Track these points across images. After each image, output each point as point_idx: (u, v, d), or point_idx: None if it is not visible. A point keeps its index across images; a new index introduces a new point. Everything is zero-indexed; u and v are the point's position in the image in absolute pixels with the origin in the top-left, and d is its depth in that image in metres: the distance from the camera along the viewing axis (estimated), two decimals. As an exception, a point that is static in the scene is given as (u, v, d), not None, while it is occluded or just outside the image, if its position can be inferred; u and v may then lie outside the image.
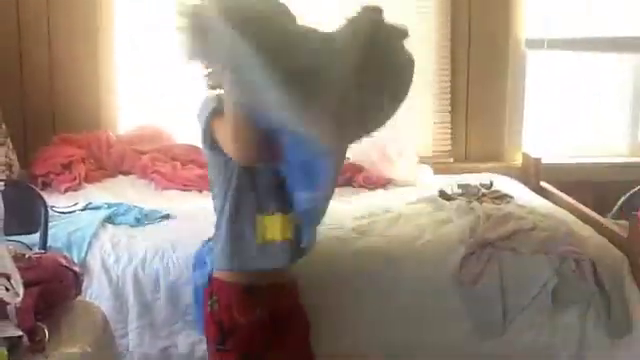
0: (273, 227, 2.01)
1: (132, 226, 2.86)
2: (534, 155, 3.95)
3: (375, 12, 1.92)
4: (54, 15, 3.79)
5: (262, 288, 2.05)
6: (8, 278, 1.76)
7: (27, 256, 1.98)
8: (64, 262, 2.01)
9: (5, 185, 2.07)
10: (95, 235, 2.76)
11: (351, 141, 1.98)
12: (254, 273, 2.03)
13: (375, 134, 1.99)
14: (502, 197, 3.36)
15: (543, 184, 3.77)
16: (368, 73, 1.83)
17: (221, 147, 1.93)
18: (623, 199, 3.50)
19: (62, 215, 2.93)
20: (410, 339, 2.65)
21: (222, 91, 1.97)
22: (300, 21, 1.88)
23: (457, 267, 2.65)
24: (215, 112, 1.93)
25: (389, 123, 2.01)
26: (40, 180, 3.46)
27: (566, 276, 2.65)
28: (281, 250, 2.02)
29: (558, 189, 3.60)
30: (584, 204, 3.25)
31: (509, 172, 3.94)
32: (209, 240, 2.18)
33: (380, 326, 2.64)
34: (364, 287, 2.62)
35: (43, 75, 3.82)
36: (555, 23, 4.10)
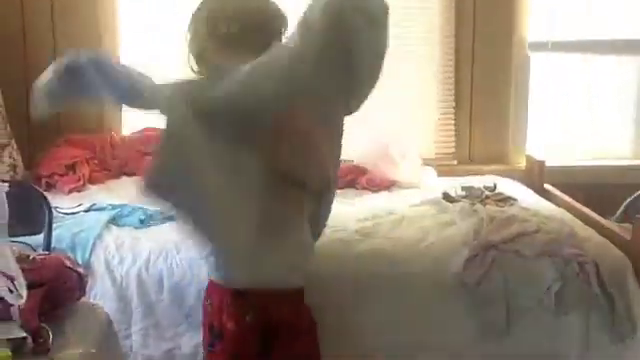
0: None
1: (136, 227, 2.87)
2: (538, 157, 3.95)
3: None
4: (59, 17, 3.80)
5: (254, 294, 2.01)
6: (12, 280, 1.76)
7: (31, 257, 1.98)
8: (68, 263, 2.01)
9: (9, 186, 2.07)
10: (99, 236, 2.76)
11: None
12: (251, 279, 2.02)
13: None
14: (506, 199, 3.36)
15: (547, 186, 3.76)
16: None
17: None
18: (627, 202, 3.48)
19: (66, 216, 2.94)
20: (413, 341, 2.65)
21: None
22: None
23: (460, 269, 2.65)
24: None
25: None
26: (44, 181, 3.47)
27: (570, 279, 2.65)
28: None
29: (562, 192, 3.60)
30: (588, 207, 3.25)
31: (513, 174, 3.93)
32: None
33: (383, 328, 2.63)
34: (367, 289, 2.62)
35: (48, 76, 3.82)
36: (559, 25, 4.10)
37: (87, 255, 2.67)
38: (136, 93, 1.82)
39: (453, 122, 4.11)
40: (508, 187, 3.60)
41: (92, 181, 3.56)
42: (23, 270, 1.87)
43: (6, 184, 2.07)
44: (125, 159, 3.74)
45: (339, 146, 1.99)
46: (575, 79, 4.31)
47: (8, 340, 1.68)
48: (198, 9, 2.01)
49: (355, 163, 3.81)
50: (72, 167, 3.57)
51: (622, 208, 3.47)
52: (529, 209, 3.16)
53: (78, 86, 1.82)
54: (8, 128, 3.50)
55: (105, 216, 2.91)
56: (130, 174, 3.73)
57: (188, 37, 1.99)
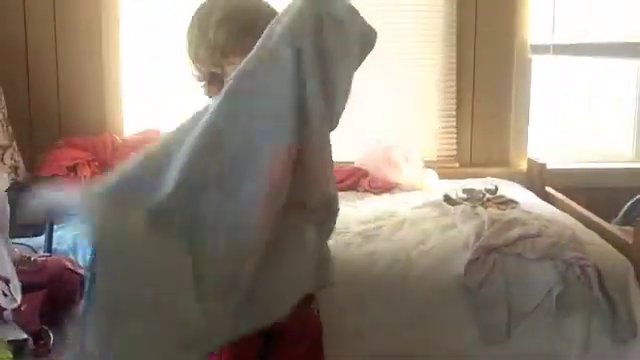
0: None
1: (137, 229, 2.86)
2: (539, 160, 3.95)
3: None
4: (61, 20, 3.80)
5: None
6: (7, 282, 1.75)
7: (32, 259, 1.98)
8: (69, 265, 2.01)
9: (11, 187, 2.07)
10: (100, 238, 2.76)
11: None
12: None
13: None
14: (507, 202, 3.36)
15: (548, 189, 3.76)
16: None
17: None
18: (628, 205, 3.49)
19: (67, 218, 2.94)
20: (415, 343, 2.65)
21: None
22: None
23: (462, 272, 2.65)
24: None
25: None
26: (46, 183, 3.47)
27: (571, 282, 2.64)
28: None
29: (563, 194, 3.59)
30: (589, 210, 3.25)
31: (514, 177, 3.94)
32: None
33: (385, 330, 2.63)
34: (369, 291, 2.62)
35: (49, 78, 3.82)
36: (560, 28, 4.10)
37: (88, 257, 2.66)
38: None
39: (455, 125, 4.11)
40: (509, 190, 3.60)
41: (93, 183, 3.55)
42: (25, 272, 1.87)
43: (5, 176, 2.07)
44: (126, 160, 3.73)
45: (331, 162, 1.95)
46: (577, 82, 4.31)
47: (9, 342, 1.68)
48: (196, 11, 2.00)
49: (357, 165, 3.81)
50: (73, 169, 3.57)
51: (623, 211, 3.47)
52: (530, 212, 3.16)
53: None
54: (10, 130, 3.50)
55: (106, 218, 2.90)
56: (131, 176, 3.72)
57: (186, 41, 1.98)
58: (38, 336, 1.74)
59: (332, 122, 1.74)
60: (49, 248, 2.48)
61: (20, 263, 1.92)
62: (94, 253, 1.62)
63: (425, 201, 3.38)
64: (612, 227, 3.07)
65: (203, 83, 1.99)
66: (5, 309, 1.71)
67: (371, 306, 2.62)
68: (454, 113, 4.10)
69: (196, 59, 1.94)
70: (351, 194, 3.55)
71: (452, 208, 3.20)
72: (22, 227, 2.18)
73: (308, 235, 1.85)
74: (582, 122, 4.36)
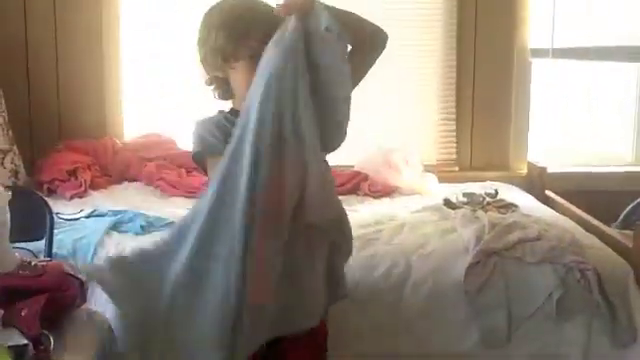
0: None
1: (137, 234, 2.86)
2: (539, 164, 3.95)
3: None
4: (61, 23, 3.80)
5: None
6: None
7: (33, 263, 1.98)
8: (69, 270, 2.01)
9: (11, 192, 2.07)
10: (100, 242, 2.76)
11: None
12: None
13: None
14: (507, 206, 3.36)
15: (548, 193, 3.76)
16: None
17: None
18: (628, 208, 3.48)
19: (67, 222, 2.94)
20: (415, 347, 2.64)
21: (230, 102, 1.98)
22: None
23: (462, 276, 2.65)
24: (209, 151, 1.90)
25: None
26: (46, 187, 3.47)
27: (571, 286, 2.64)
28: None
29: (563, 198, 3.59)
30: (589, 213, 3.25)
31: (514, 181, 3.94)
32: None
33: (385, 334, 2.63)
34: (369, 294, 2.62)
35: (49, 82, 3.83)
36: (560, 32, 4.10)
37: (88, 261, 2.67)
38: None
39: (454, 129, 4.11)
40: (509, 193, 3.60)
41: (93, 187, 3.56)
42: (25, 277, 1.88)
43: (9, 193, 2.07)
44: (127, 165, 3.75)
45: (332, 185, 1.99)
46: (576, 85, 4.32)
47: (9, 347, 1.68)
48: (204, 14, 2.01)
49: (357, 169, 3.82)
50: (73, 173, 3.57)
51: (623, 215, 3.47)
52: (530, 216, 3.16)
53: None
54: (10, 134, 3.51)
55: (106, 222, 2.91)
56: (131, 180, 3.73)
57: (197, 45, 1.99)
58: (38, 341, 1.74)
59: (341, 134, 1.79)
60: (49, 252, 2.48)
61: (20, 268, 1.92)
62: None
63: (425, 205, 3.38)
64: (612, 231, 3.07)
65: (213, 87, 2.00)
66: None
67: (371, 309, 2.62)
68: (454, 117, 4.10)
69: (202, 62, 1.96)
70: (351, 198, 3.55)
71: (452, 212, 3.20)
72: (22, 231, 2.18)
73: (318, 253, 1.88)
74: (582, 125, 4.36)
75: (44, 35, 3.80)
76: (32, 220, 2.47)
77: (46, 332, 1.77)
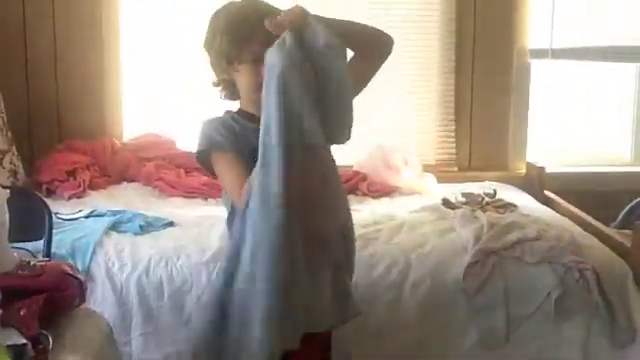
0: None
1: (136, 234, 2.86)
2: (538, 164, 3.95)
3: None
4: (60, 23, 3.80)
5: None
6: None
7: (32, 263, 1.98)
8: (68, 270, 2.01)
9: (10, 192, 2.07)
10: (99, 242, 2.76)
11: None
12: None
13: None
14: (506, 206, 3.36)
15: (547, 193, 3.76)
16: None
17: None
18: (627, 208, 3.48)
19: (66, 222, 2.94)
20: (414, 347, 2.65)
21: (237, 102, 1.99)
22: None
23: (461, 276, 2.65)
24: (215, 147, 1.92)
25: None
26: (45, 187, 3.47)
27: (570, 286, 2.65)
28: None
29: (562, 198, 3.60)
30: (588, 213, 3.25)
31: (513, 181, 3.94)
32: None
33: (384, 333, 2.63)
34: (368, 294, 2.62)
35: (48, 83, 3.83)
36: (559, 33, 4.11)
37: (87, 261, 2.67)
38: None
39: (454, 129, 4.11)
40: (508, 193, 3.61)
41: (92, 187, 3.56)
42: (23, 277, 1.88)
43: (7, 190, 2.07)
44: (125, 165, 3.75)
45: (344, 194, 2.03)
46: (575, 85, 4.32)
47: (8, 347, 1.68)
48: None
49: (356, 169, 3.82)
50: (72, 173, 3.57)
51: (622, 214, 3.47)
52: (529, 215, 3.16)
53: None
54: (9, 134, 3.51)
55: (105, 222, 2.91)
56: (130, 180, 3.73)
57: (204, 48, 2.00)
58: (37, 340, 1.74)
59: (344, 133, 1.82)
60: (48, 252, 2.48)
61: (19, 267, 1.92)
62: None
63: (424, 205, 3.38)
64: (611, 231, 3.08)
65: (220, 88, 2.01)
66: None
67: (370, 309, 2.61)
68: (453, 117, 4.10)
69: (211, 65, 1.97)
70: (350, 198, 3.52)
71: (451, 212, 3.20)
72: (21, 231, 2.18)
73: (323, 275, 1.90)
74: (580, 125, 4.37)
75: (43, 35, 3.80)
76: (31, 220, 2.47)
77: (45, 332, 1.77)
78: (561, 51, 4.06)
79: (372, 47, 1.93)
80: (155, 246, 2.76)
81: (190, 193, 3.52)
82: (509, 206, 3.36)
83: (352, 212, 3.19)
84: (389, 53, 1.95)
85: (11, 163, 3.44)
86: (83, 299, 2.04)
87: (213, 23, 1.96)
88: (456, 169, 4.11)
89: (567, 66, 4.22)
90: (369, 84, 2.00)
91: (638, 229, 2.73)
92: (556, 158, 4.20)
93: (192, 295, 2.65)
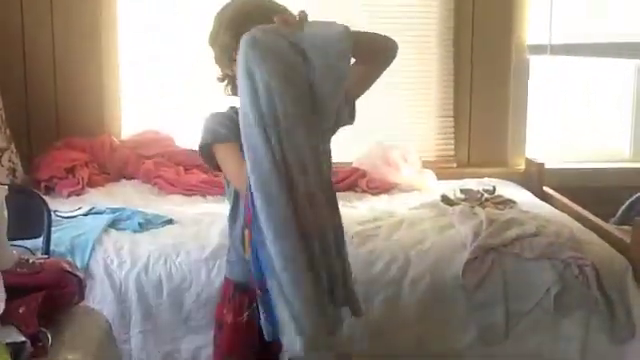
0: None
1: (135, 231, 2.86)
2: (537, 160, 3.95)
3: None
4: (58, 21, 3.80)
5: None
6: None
7: (31, 261, 1.98)
8: (67, 267, 2.01)
9: (9, 190, 2.06)
10: (98, 240, 2.76)
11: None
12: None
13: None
14: (505, 202, 3.36)
15: (546, 189, 3.76)
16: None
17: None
18: (626, 204, 3.48)
19: (65, 220, 2.94)
20: (413, 343, 2.65)
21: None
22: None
23: (460, 272, 2.65)
24: (218, 140, 1.91)
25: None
26: (43, 184, 3.47)
27: (569, 282, 2.65)
28: None
29: (561, 194, 3.60)
30: (587, 209, 3.25)
31: (512, 177, 3.94)
32: None
33: (383, 330, 2.64)
34: (367, 291, 2.62)
35: (47, 80, 3.82)
36: (558, 29, 4.10)
37: (86, 259, 2.67)
38: None
39: (452, 125, 4.11)
40: (507, 190, 3.61)
41: (91, 184, 3.56)
42: (22, 274, 1.87)
43: (5, 187, 2.06)
44: (124, 162, 3.74)
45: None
46: (574, 82, 4.32)
47: (7, 344, 1.68)
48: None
49: (355, 166, 3.82)
50: (71, 170, 3.57)
51: (621, 210, 3.47)
52: (528, 212, 3.16)
53: None
54: (7, 132, 3.50)
55: (104, 220, 2.91)
56: (129, 177, 3.73)
57: (208, 43, 2.00)
58: (36, 338, 1.74)
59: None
60: (47, 250, 2.48)
61: (18, 265, 1.92)
62: None
63: (423, 201, 3.39)
64: (610, 226, 3.08)
65: (225, 82, 2.00)
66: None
67: (369, 305, 2.62)
68: (452, 113, 4.10)
69: (215, 60, 1.96)
70: (349, 194, 3.55)
71: (450, 208, 3.20)
72: (20, 229, 2.18)
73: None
74: (580, 121, 4.36)
75: (41, 32, 3.79)
76: (30, 218, 2.47)
77: (44, 329, 1.77)
78: (560, 47, 4.05)
79: (377, 54, 1.93)
80: (154, 243, 2.76)
81: (189, 190, 3.52)
82: (508, 202, 3.36)
83: (351, 209, 3.23)
84: (394, 57, 1.95)
85: (10, 161, 3.44)
86: (82, 297, 2.05)
87: (218, 18, 1.96)
88: (455, 165, 4.11)
89: (566, 62, 4.22)
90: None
91: (637, 225, 2.73)
92: (555, 154, 4.20)
93: (191, 292, 2.65)
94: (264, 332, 1.81)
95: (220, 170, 1.97)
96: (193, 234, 2.84)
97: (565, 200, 3.49)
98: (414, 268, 2.69)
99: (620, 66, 4.33)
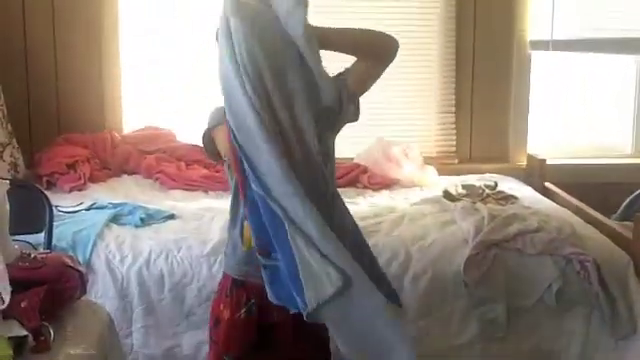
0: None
1: (137, 226, 2.86)
2: (539, 156, 3.94)
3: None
4: (59, 17, 3.79)
5: (254, 287, 1.95)
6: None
7: (32, 256, 1.98)
8: (69, 262, 2.01)
9: (10, 185, 2.07)
10: (100, 235, 2.76)
11: None
12: (248, 272, 1.99)
13: None
14: (507, 198, 3.36)
15: (548, 185, 3.76)
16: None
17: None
18: (628, 200, 3.48)
19: (67, 215, 2.94)
20: (414, 338, 2.65)
21: None
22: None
23: (462, 268, 2.65)
24: (219, 124, 1.93)
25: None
26: (45, 180, 3.47)
27: (571, 277, 2.65)
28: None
29: (563, 190, 3.59)
30: (589, 205, 3.25)
31: (514, 173, 3.94)
32: None
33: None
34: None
35: (49, 75, 3.82)
36: (560, 24, 4.10)
37: (88, 254, 2.67)
38: None
39: (454, 121, 4.11)
40: (509, 185, 3.61)
41: (93, 180, 3.56)
42: (24, 269, 1.87)
43: (7, 183, 2.07)
44: (126, 158, 3.74)
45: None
46: (576, 78, 4.31)
47: (9, 338, 1.68)
48: None
49: (357, 162, 3.82)
50: (73, 166, 3.57)
51: (623, 206, 3.47)
52: (530, 207, 3.16)
53: None
54: (9, 127, 3.50)
55: (106, 215, 2.91)
56: (131, 173, 3.73)
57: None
58: (38, 332, 1.74)
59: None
60: (49, 245, 2.48)
61: (20, 260, 1.92)
62: None
63: (424, 197, 3.39)
64: (612, 222, 3.07)
65: None
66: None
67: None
68: (453, 109, 4.10)
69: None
70: (350, 190, 3.55)
71: (452, 204, 3.20)
72: (22, 224, 2.18)
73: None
74: (581, 117, 4.36)
75: (43, 28, 3.79)
76: (31, 213, 2.48)
77: (46, 324, 1.77)
78: (562, 42, 4.05)
79: (378, 50, 1.94)
80: (156, 239, 2.76)
81: (191, 186, 3.52)
82: (510, 198, 3.36)
83: (353, 205, 3.23)
84: (394, 55, 1.97)
85: (11, 156, 3.44)
86: (84, 291, 2.04)
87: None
88: (457, 161, 4.11)
89: (568, 58, 4.21)
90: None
91: (639, 220, 2.73)
92: (557, 150, 4.20)
93: (193, 287, 2.66)
94: (269, 295, 1.83)
95: (220, 157, 1.98)
96: (194, 229, 2.85)
97: (567, 196, 3.48)
98: (415, 264, 2.69)
99: (622, 62, 4.32)
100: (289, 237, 1.73)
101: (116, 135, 3.83)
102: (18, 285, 1.76)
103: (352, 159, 3.85)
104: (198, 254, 2.69)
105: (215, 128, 1.96)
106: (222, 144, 1.94)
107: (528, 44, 4.06)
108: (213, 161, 2.27)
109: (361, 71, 1.93)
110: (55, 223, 2.59)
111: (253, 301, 1.96)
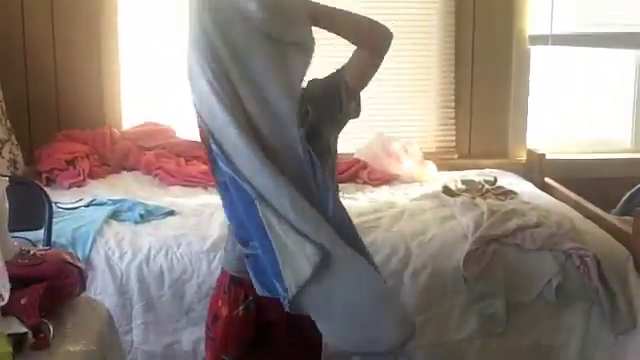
0: None
1: (136, 222, 2.86)
2: (538, 151, 3.94)
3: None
4: (59, 14, 3.79)
5: (252, 284, 1.93)
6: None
7: (32, 252, 1.98)
8: (69, 258, 2.01)
9: (10, 181, 2.06)
10: (99, 231, 2.76)
11: None
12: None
13: None
14: (506, 193, 3.36)
15: (547, 180, 3.76)
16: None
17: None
18: (627, 195, 3.48)
19: (66, 211, 2.94)
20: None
21: None
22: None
23: (461, 263, 2.65)
24: None
25: None
26: (44, 176, 3.46)
27: (570, 272, 2.65)
28: None
29: (562, 185, 3.59)
30: (588, 200, 3.25)
31: (513, 168, 3.93)
32: None
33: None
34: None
35: (48, 72, 3.82)
36: (559, 19, 4.09)
37: (87, 250, 2.67)
38: None
39: (453, 116, 4.11)
40: (509, 181, 3.61)
41: (92, 176, 3.56)
42: (24, 266, 1.87)
43: (6, 179, 2.06)
44: (125, 154, 3.74)
45: None
46: (576, 73, 4.31)
47: (9, 335, 1.68)
48: None
49: (356, 157, 3.81)
50: (72, 162, 3.56)
51: (623, 201, 3.47)
52: (529, 203, 3.16)
53: None
54: (8, 124, 3.50)
55: (105, 211, 2.91)
56: (130, 169, 3.73)
57: None
58: (38, 329, 1.74)
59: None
60: (48, 241, 2.48)
61: (19, 256, 1.92)
62: None
63: (424, 193, 3.39)
64: (611, 217, 3.07)
65: None
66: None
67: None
68: (453, 105, 4.10)
69: None
70: (350, 186, 3.55)
71: (451, 199, 3.20)
72: (21, 221, 2.18)
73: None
74: (581, 112, 4.36)
75: (42, 24, 3.79)
76: (31, 209, 2.48)
77: (46, 320, 1.77)
78: (561, 37, 4.04)
79: (378, 41, 1.93)
80: (155, 235, 2.76)
81: (190, 182, 3.51)
82: (509, 193, 3.36)
83: (352, 200, 3.23)
84: (389, 42, 1.94)
85: (10, 152, 3.44)
86: (84, 288, 2.04)
87: None
88: (456, 157, 4.11)
89: (567, 53, 4.21)
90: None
91: (638, 215, 2.73)
92: (557, 145, 4.20)
93: (192, 284, 2.66)
94: (256, 287, 1.82)
95: None
96: (194, 225, 2.85)
97: (566, 191, 3.48)
98: (415, 259, 2.69)
99: (621, 57, 4.31)
100: (260, 215, 1.70)
101: (115, 131, 3.83)
102: (17, 282, 1.76)
103: (352, 154, 3.84)
104: (198, 250, 2.69)
105: None
106: None
107: (527, 39, 4.05)
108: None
109: (362, 62, 1.91)
110: (54, 220, 2.58)
111: (251, 298, 1.95)
